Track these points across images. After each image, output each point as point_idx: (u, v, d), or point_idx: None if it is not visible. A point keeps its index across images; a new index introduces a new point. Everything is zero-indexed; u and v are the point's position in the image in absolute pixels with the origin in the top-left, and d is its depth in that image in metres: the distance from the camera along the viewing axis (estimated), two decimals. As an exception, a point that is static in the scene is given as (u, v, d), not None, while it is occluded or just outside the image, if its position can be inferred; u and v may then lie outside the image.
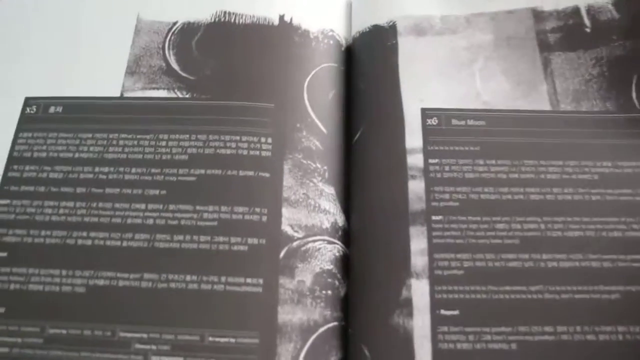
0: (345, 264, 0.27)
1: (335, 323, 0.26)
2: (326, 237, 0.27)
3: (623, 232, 0.26)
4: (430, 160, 0.28)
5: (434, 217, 0.26)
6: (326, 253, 0.27)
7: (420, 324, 0.25)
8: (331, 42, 0.31)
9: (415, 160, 0.28)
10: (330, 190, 0.28)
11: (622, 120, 0.28)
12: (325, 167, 0.28)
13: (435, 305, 0.25)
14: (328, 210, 0.27)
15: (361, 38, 0.32)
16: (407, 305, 0.25)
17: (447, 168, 0.27)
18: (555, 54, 0.30)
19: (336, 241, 0.27)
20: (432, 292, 0.25)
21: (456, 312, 0.25)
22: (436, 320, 0.25)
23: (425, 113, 0.29)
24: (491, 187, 0.27)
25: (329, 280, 0.26)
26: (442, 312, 0.25)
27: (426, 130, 0.28)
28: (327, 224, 0.27)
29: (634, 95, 0.29)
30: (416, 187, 0.27)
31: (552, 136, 0.28)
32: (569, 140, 0.28)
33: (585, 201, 0.27)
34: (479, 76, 0.30)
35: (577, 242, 0.26)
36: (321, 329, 0.25)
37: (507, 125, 0.28)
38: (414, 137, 0.28)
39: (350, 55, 0.32)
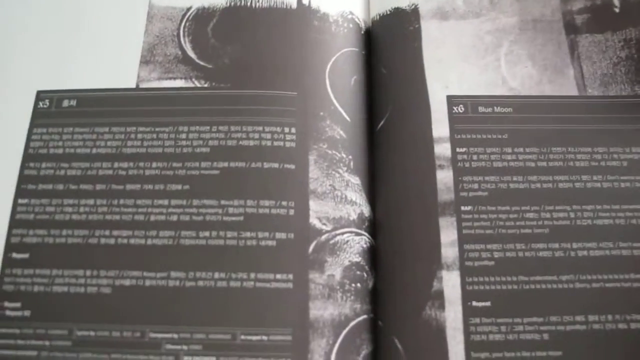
0: (372, 254, 0.26)
1: (365, 316, 0.25)
2: (353, 229, 0.26)
3: None
4: (458, 150, 0.26)
5: (463, 208, 0.25)
6: (354, 245, 0.26)
7: (453, 316, 0.24)
8: (351, 25, 0.30)
9: (442, 149, 0.26)
10: (355, 180, 0.27)
11: None
12: (350, 157, 0.27)
13: (467, 296, 0.24)
14: (354, 201, 0.26)
15: (381, 21, 0.30)
16: (438, 298, 0.24)
17: (475, 157, 0.26)
18: (582, 36, 0.29)
19: (363, 232, 0.26)
20: (464, 284, 0.24)
21: (488, 304, 0.24)
22: (468, 312, 0.24)
23: (451, 100, 0.27)
24: (520, 175, 0.26)
25: (358, 272, 0.25)
26: (474, 303, 0.24)
27: (453, 118, 0.27)
28: (354, 216, 0.26)
29: (662, 77, 0.28)
30: (444, 177, 0.26)
31: (580, 122, 0.27)
32: (597, 126, 0.27)
33: (614, 188, 0.26)
34: (505, 61, 0.28)
35: (608, 230, 0.25)
36: (352, 323, 0.24)
37: (534, 112, 0.27)
38: (440, 126, 0.27)
39: (370, 39, 0.30)
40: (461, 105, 0.27)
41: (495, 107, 0.27)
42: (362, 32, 0.30)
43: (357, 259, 0.26)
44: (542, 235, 0.25)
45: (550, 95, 0.27)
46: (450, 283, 0.24)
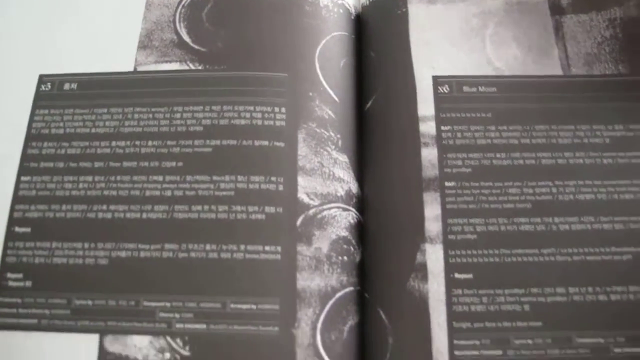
0: (360, 230, 0.26)
1: (352, 288, 0.25)
2: (341, 205, 0.26)
3: (635, 194, 0.25)
4: (443, 128, 0.26)
5: (447, 184, 0.25)
6: (341, 220, 0.26)
7: (435, 288, 0.24)
8: (341, 10, 0.30)
9: (427, 127, 0.26)
10: (343, 158, 0.27)
11: (635, 83, 0.27)
12: (339, 136, 0.27)
13: (450, 269, 0.24)
14: (342, 178, 0.26)
15: (371, 6, 0.30)
16: (422, 270, 0.24)
17: (459, 135, 0.26)
18: (567, 16, 0.28)
19: (351, 208, 0.26)
20: (446, 257, 0.24)
21: (470, 276, 0.24)
22: (450, 284, 0.24)
23: (437, 81, 0.27)
24: (503, 152, 0.26)
25: (345, 246, 0.25)
26: (456, 275, 0.24)
27: (438, 98, 0.27)
28: (341, 192, 0.26)
29: (647, 56, 0.27)
30: (429, 154, 0.26)
31: (564, 101, 0.27)
32: (580, 105, 0.27)
33: (597, 165, 0.26)
34: (490, 42, 0.28)
35: (589, 205, 0.25)
36: (338, 294, 0.25)
37: (519, 91, 0.27)
38: (426, 105, 0.27)
39: (360, 24, 0.30)
40: (446, 85, 0.27)
41: (479, 87, 0.27)
42: (353, 17, 0.30)
43: (344, 233, 0.26)
44: (525, 210, 0.25)
45: (534, 75, 0.27)
46: (434, 256, 0.24)
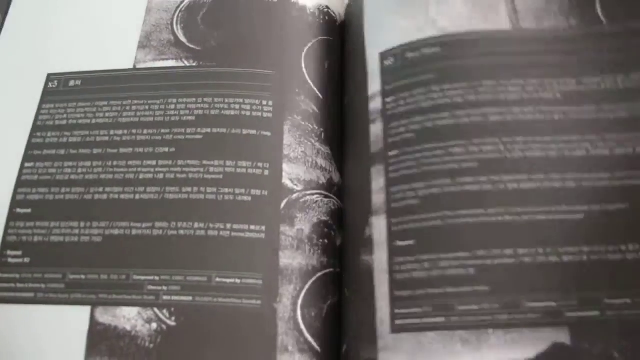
0: (340, 216, 0.21)
1: (331, 269, 0.20)
2: (323, 192, 0.22)
3: (587, 151, 0.19)
4: (387, 99, 0.20)
5: (390, 153, 0.20)
6: (323, 206, 0.21)
7: (379, 258, 0.19)
8: (326, 17, 0.25)
9: (375, 104, 0.21)
10: (326, 149, 0.23)
11: (586, 36, 0.21)
12: (322, 129, 0.22)
13: (392, 237, 0.19)
14: (324, 167, 0.23)
15: (349, 8, 0.25)
16: (369, 243, 0.19)
17: (402, 102, 0.20)
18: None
19: (332, 196, 0.22)
20: (389, 225, 0.19)
21: (411, 242, 0.19)
22: (393, 252, 0.18)
23: (383, 55, 0.22)
24: (446, 112, 0.20)
25: (326, 230, 0.21)
26: (398, 243, 0.18)
27: (384, 72, 0.21)
28: (323, 180, 0.22)
29: (598, 7, 0.21)
30: (376, 129, 0.20)
31: (512, 55, 0.20)
32: (530, 59, 0.20)
33: (547, 120, 0.19)
34: (434, 3, 0.22)
35: (539, 162, 0.19)
36: (319, 274, 0.19)
37: (464, 48, 0.21)
38: (374, 83, 0.21)
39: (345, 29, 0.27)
40: (391, 58, 0.22)
41: (422, 50, 0.21)
42: (338, 24, 0.27)
43: (325, 217, 0.21)
44: (470, 169, 0.19)
45: (481, 30, 0.21)
46: (378, 227, 0.19)
